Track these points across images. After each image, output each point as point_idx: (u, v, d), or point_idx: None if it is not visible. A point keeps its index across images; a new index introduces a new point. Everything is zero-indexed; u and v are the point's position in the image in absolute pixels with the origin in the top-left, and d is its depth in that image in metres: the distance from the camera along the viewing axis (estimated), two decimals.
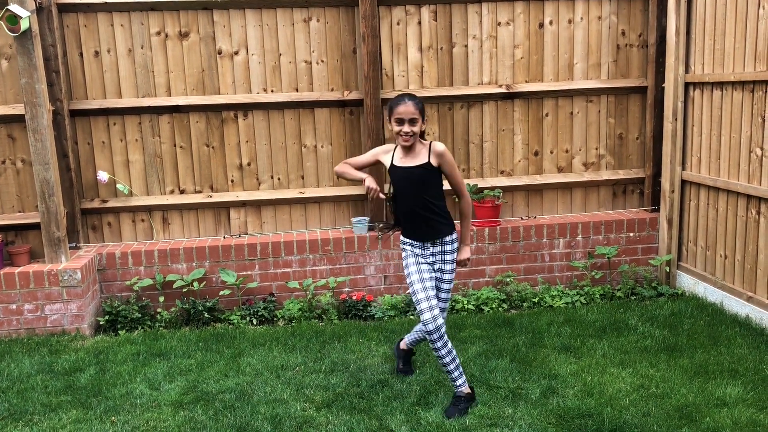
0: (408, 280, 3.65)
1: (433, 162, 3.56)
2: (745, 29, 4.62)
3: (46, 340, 4.77)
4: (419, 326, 3.97)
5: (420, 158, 3.57)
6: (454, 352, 3.60)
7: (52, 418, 3.67)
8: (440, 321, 3.51)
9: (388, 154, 3.68)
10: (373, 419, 3.54)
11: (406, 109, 3.48)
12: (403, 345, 4.11)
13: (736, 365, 4.03)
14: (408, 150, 3.60)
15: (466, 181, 5.58)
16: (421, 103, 3.54)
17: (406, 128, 3.49)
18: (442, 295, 3.74)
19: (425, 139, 3.64)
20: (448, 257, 3.70)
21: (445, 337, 3.53)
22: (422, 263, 3.65)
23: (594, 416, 3.49)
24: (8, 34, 4.61)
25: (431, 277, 3.63)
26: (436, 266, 3.70)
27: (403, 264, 3.72)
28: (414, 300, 3.59)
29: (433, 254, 3.68)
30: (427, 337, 3.53)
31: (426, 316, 3.50)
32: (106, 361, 4.41)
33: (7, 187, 5.14)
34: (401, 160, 3.61)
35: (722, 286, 5.00)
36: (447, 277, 3.72)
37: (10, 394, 3.97)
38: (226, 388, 3.97)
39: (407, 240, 3.71)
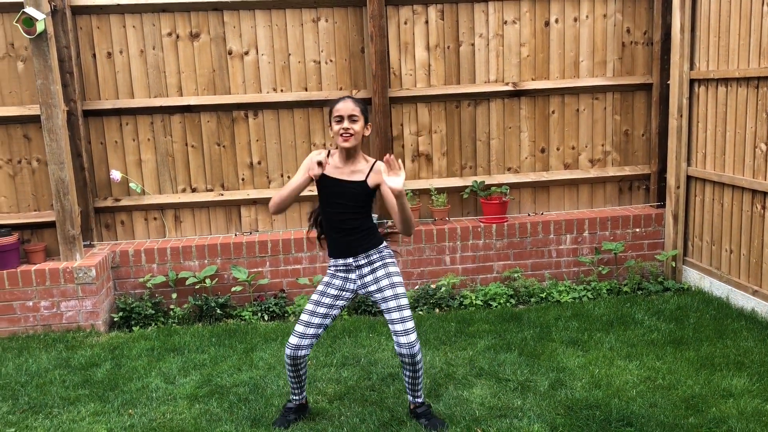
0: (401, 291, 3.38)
1: (370, 182, 3.34)
2: (749, 26, 4.67)
3: (62, 336, 4.86)
4: (403, 354, 3.37)
5: (358, 174, 3.35)
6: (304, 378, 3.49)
7: (71, 411, 3.76)
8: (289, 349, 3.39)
9: (321, 159, 3.29)
10: (384, 411, 3.61)
11: (345, 105, 3.27)
12: (411, 405, 3.56)
13: (741, 357, 4.09)
14: (347, 158, 3.35)
15: (473, 178, 5.66)
16: (364, 104, 3.35)
17: (345, 124, 3.25)
18: (393, 307, 3.36)
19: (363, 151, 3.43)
20: (379, 272, 3.42)
21: None
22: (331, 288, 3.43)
23: (602, 407, 3.55)
24: (24, 36, 4.70)
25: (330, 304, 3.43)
26: (368, 285, 3.42)
27: (396, 280, 3.40)
28: (405, 315, 3.32)
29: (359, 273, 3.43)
30: (412, 350, 3.30)
31: (294, 338, 3.37)
32: (122, 356, 4.50)
33: (23, 186, 5.24)
34: (336, 170, 3.36)
35: (728, 280, 5.05)
36: (388, 293, 3.38)
37: (30, 388, 4.06)
38: (239, 381, 4.05)
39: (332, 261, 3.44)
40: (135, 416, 3.68)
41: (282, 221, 5.63)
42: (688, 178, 5.49)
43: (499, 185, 5.63)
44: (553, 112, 5.70)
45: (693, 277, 5.47)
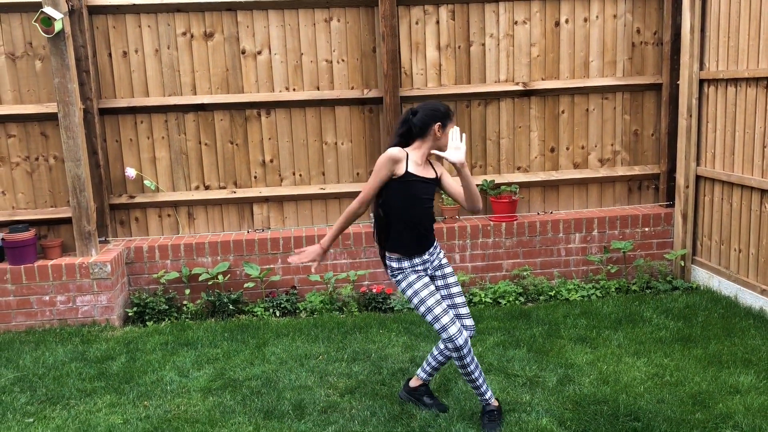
0: (416, 300, 3.34)
1: (439, 176, 3.43)
2: (759, 26, 4.70)
3: (78, 330, 4.94)
4: (434, 352, 3.60)
5: (430, 171, 3.40)
6: (479, 364, 3.43)
7: (87, 402, 3.84)
8: (466, 334, 3.37)
9: (402, 162, 3.28)
10: (395, 405, 3.67)
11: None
12: (414, 383, 3.70)
13: (749, 355, 4.12)
14: (426, 160, 3.41)
15: (483, 177, 5.71)
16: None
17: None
18: (459, 301, 3.50)
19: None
20: (444, 261, 3.54)
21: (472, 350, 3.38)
22: (425, 276, 3.40)
23: (609, 402, 3.60)
24: (43, 35, 4.80)
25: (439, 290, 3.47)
26: (438, 277, 3.50)
27: (404, 286, 3.37)
28: (430, 319, 3.31)
29: (432, 263, 3.47)
30: (455, 354, 3.30)
31: (454, 330, 3.28)
32: (136, 350, 4.58)
33: (40, 182, 5.33)
34: (418, 169, 3.34)
35: (736, 279, 5.07)
36: (452, 279, 3.50)
37: (47, 380, 4.14)
38: (252, 375, 4.12)
39: (405, 259, 3.38)
40: (150, 408, 3.76)
41: (294, 219, 5.70)
42: (698, 177, 5.52)
43: (509, 184, 5.67)
44: (562, 111, 5.74)
45: (702, 276, 5.50)
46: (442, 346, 3.51)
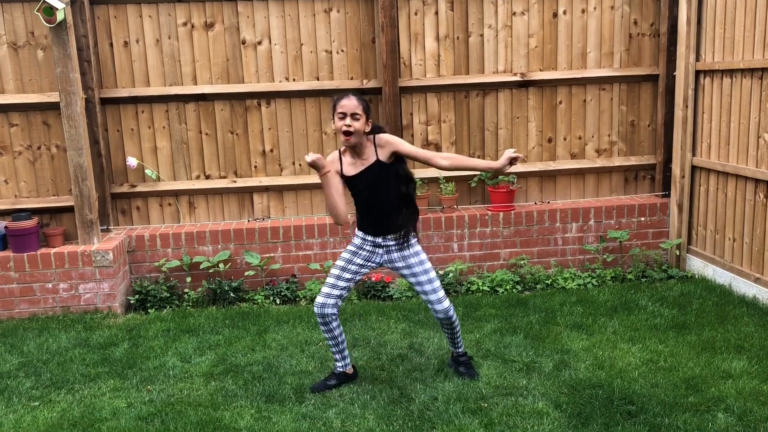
0: (429, 267, 3.69)
1: (382, 157, 3.51)
2: (754, 17, 4.75)
3: (81, 317, 5.00)
4: (441, 318, 3.77)
5: (369, 159, 3.52)
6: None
7: (91, 387, 3.91)
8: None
9: (336, 163, 3.54)
10: (394, 389, 3.74)
11: (349, 103, 3.41)
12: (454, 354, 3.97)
13: (742, 342, 4.19)
14: (354, 153, 3.52)
15: None
16: (366, 102, 3.48)
17: (347, 121, 3.40)
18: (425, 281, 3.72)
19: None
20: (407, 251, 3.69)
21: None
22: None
23: (604, 387, 3.67)
24: (45, 24, 4.83)
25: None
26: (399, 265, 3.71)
27: (423, 257, 3.69)
28: (436, 286, 3.68)
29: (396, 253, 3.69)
30: (447, 314, 3.72)
31: (320, 297, 3.66)
32: (138, 336, 4.64)
33: (43, 171, 5.38)
34: (352, 167, 3.55)
35: (731, 268, 5.15)
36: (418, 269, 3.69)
37: (51, 365, 4.21)
38: (253, 361, 4.19)
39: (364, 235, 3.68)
40: (153, 392, 3.83)
41: (294, 208, 5.76)
42: (693, 168, 5.58)
43: (507, 174, 5.72)
44: (560, 102, 5.80)
45: (697, 265, 5.57)
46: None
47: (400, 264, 3.69)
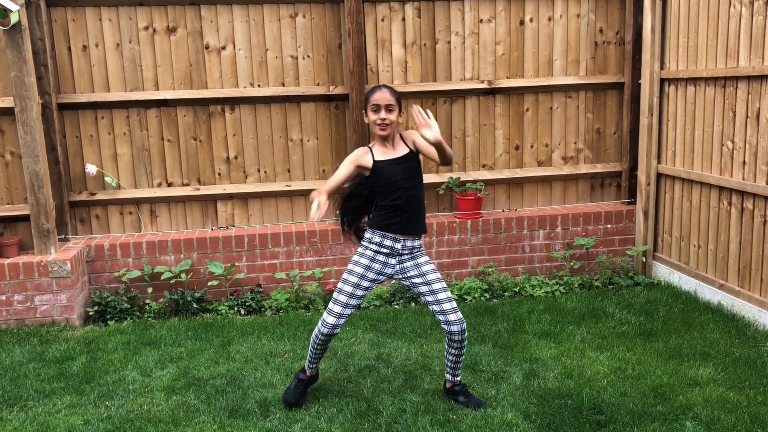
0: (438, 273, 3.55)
1: (413, 148, 3.51)
2: (717, 27, 4.81)
3: (36, 330, 4.82)
4: (455, 332, 3.51)
5: (402, 149, 3.50)
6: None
7: (46, 404, 3.74)
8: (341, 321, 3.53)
9: (368, 155, 3.47)
10: (361, 401, 3.66)
11: (382, 95, 3.40)
12: (448, 384, 3.71)
13: (708, 348, 4.21)
14: (386, 142, 3.49)
15: (449, 174, 5.73)
16: (398, 93, 3.47)
17: (382, 114, 3.40)
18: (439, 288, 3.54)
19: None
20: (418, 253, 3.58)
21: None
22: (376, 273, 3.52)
23: (573, 396, 3.64)
24: None
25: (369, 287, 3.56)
26: (410, 268, 3.54)
27: (432, 263, 3.57)
28: (449, 294, 3.51)
29: (410, 251, 3.54)
30: (463, 326, 3.48)
31: (332, 318, 3.49)
32: (97, 349, 4.48)
33: None
34: (384, 155, 3.48)
35: (696, 274, 5.19)
36: (429, 271, 3.54)
37: (4, 381, 4.03)
38: (216, 374, 4.07)
39: (386, 236, 3.49)
40: (112, 408, 3.69)
41: (259, 216, 5.65)
42: (659, 175, 5.62)
43: (474, 182, 5.70)
44: (527, 109, 5.80)
45: (662, 272, 5.60)
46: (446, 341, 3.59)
47: (412, 272, 3.52)
